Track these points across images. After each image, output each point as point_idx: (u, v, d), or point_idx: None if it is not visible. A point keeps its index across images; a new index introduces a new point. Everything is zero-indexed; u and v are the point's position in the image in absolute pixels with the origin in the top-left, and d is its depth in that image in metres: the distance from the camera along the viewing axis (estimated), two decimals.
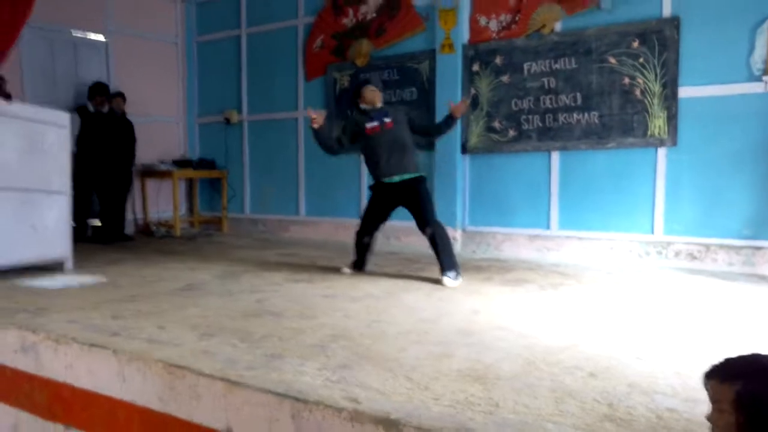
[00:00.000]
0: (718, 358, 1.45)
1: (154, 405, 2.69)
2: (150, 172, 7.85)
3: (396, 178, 4.65)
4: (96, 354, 2.85)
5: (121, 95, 7.13)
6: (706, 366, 1.45)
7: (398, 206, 4.74)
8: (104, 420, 2.84)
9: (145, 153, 7.75)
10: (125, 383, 2.77)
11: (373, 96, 4.82)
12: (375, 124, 4.71)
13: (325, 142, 4.90)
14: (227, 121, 8.11)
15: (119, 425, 2.79)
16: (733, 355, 1.44)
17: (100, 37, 7.60)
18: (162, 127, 8.25)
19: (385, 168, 4.68)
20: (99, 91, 6.95)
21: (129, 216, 7.59)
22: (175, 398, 2.64)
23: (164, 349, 2.83)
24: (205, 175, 8.20)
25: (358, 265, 4.94)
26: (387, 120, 4.69)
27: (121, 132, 7.07)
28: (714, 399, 1.38)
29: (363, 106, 4.87)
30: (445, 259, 4.49)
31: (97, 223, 7.05)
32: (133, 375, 2.73)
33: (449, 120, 4.73)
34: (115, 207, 7.02)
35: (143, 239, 7.37)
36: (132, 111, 7.29)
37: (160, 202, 8.07)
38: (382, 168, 4.69)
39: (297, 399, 2.26)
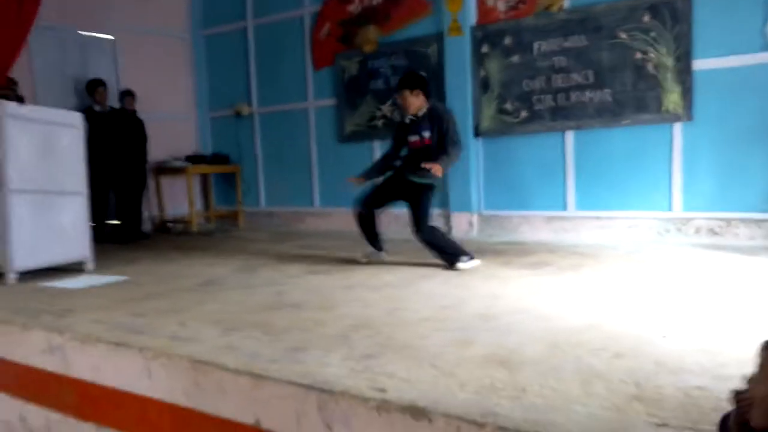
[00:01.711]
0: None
1: (181, 401, 2.71)
2: (164, 170, 7.88)
3: (416, 179, 4.61)
4: (122, 353, 2.88)
5: (131, 94, 7.15)
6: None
7: (401, 199, 4.72)
8: (135, 418, 2.87)
9: (158, 150, 7.79)
10: (151, 381, 2.80)
11: (405, 104, 4.60)
12: (416, 138, 4.59)
13: (380, 171, 4.89)
14: (238, 114, 8.11)
15: (151, 422, 2.82)
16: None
17: (108, 36, 7.61)
18: (173, 123, 8.27)
19: (408, 168, 4.66)
20: (96, 84, 6.92)
21: (145, 214, 7.64)
22: (201, 394, 2.65)
23: (187, 346, 2.85)
24: (219, 170, 8.22)
25: (375, 246, 4.91)
26: (426, 136, 4.53)
27: (131, 130, 7.10)
28: (763, 367, 1.33)
29: (406, 116, 4.72)
30: (446, 257, 4.51)
31: (115, 222, 7.10)
32: (159, 372, 2.76)
33: None
34: (131, 206, 7.07)
35: (160, 237, 7.42)
36: (143, 108, 7.31)
37: (175, 199, 8.11)
38: (408, 167, 4.66)
39: (323, 390, 2.26)
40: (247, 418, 2.52)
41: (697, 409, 1.92)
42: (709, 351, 2.47)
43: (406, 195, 4.68)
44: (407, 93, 4.54)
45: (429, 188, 4.61)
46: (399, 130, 4.80)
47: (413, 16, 6.65)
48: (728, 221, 5.18)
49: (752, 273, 4.03)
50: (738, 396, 1.34)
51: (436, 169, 4.34)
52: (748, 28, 5.02)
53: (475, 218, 6.32)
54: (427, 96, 4.61)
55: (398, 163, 4.77)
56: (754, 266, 4.24)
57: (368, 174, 4.89)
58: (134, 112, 7.17)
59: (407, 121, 4.67)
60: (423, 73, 5.02)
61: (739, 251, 4.81)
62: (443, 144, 4.51)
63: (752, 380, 1.33)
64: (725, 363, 2.27)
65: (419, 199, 4.59)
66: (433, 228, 4.65)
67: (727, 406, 1.89)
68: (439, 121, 4.51)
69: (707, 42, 5.17)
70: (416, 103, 4.56)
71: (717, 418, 1.82)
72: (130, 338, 2.99)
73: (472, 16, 6.24)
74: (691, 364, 2.33)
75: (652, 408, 1.95)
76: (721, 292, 3.52)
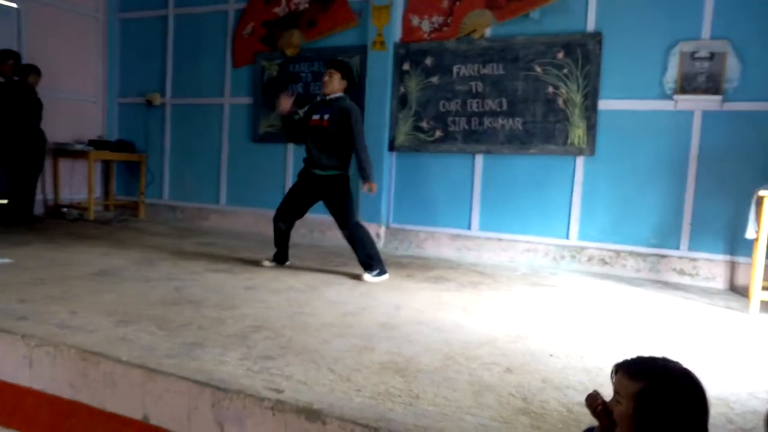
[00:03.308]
0: (621, 357, 1.55)
1: (66, 393, 2.59)
2: (63, 152, 7.48)
3: (318, 171, 4.63)
4: (1, 339, 2.71)
5: (35, 70, 6.72)
6: (614, 361, 1.54)
7: (319, 200, 4.73)
8: (9, 408, 2.71)
9: (60, 131, 7.39)
10: (32, 370, 2.65)
11: (328, 82, 4.65)
12: (317, 117, 4.63)
13: (291, 132, 4.82)
14: (149, 103, 7.84)
15: (26, 415, 2.66)
16: (645, 354, 1.53)
17: (11, 4, 7.15)
18: (79, 105, 7.87)
19: (310, 161, 4.68)
20: (9, 56, 6.53)
21: (38, 196, 7.20)
22: (88, 386, 2.54)
23: (77, 335, 2.73)
24: (123, 157, 7.88)
25: (279, 258, 4.89)
26: (326, 118, 4.58)
27: (28, 106, 6.63)
28: (617, 389, 1.47)
29: (322, 95, 4.78)
30: (363, 258, 4.55)
31: (2, 201, 6.64)
32: (42, 361, 2.62)
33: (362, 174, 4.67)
34: (23, 186, 6.62)
35: (53, 222, 7.02)
36: (46, 85, 6.89)
37: (73, 184, 7.70)
38: (310, 159, 4.68)
39: (218, 388, 2.23)
40: (134, 413, 2.43)
41: (577, 423, 2.04)
42: (590, 371, 2.62)
43: (320, 194, 4.67)
44: (334, 72, 4.64)
45: (340, 180, 4.62)
46: (310, 106, 4.88)
47: (339, 25, 6.69)
48: (618, 253, 5.51)
49: (634, 303, 4.31)
50: None
51: (372, 187, 4.53)
52: (649, 76, 5.39)
53: (382, 230, 6.40)
54: (347, 88, 4.71)
55: (308, 162, 4.72)
56: (636, 296, 4.53)
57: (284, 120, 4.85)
58: (32, 88, 6.70)
59: (318, 99, 4.74)
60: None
61: (625, 281, 5.13)
62: (344, 138, 4.58)
63: (606, 403, 1.49)
64: (604, 382, 2.41)
65: (335, 193, 4.60)
66: (360, 224, 4.66)
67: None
68: (346, 114, 4.56)
69: (613, 84, 5.51)
70: (335, 86, 4.64)
71: None
72: (12, 324, 2.82)
73: (396, 33, 6.35)
74: (575, 382, 2.47)
75: (536, 421, 2.05)
76: (604, 318, 3.74)
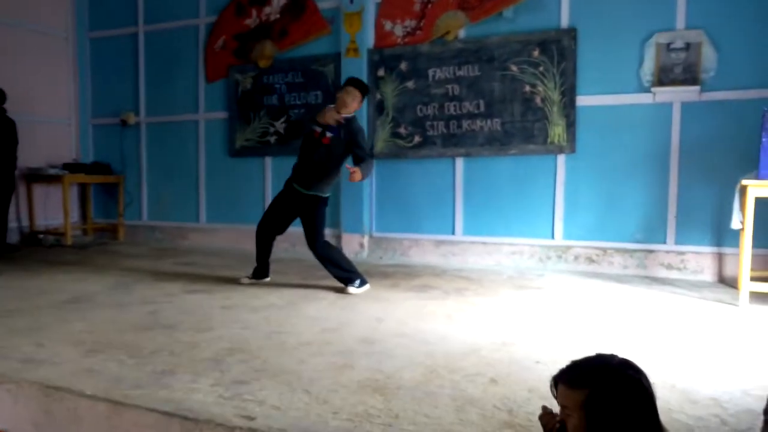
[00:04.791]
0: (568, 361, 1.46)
1: None
2: (37, 177, 7.31)
3: (301, 189, 4.51)
4: None
5: (2, 93, 6.55)
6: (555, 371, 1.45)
7: (297, 217, 4.61)
8: None
9: (32, 156, 7.22)
10: None
11: (343, 100, 4.42)
12: (319, 130, 4.44)
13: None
14: (123, 123, 7.69)
15: None
16: (579, 357, 1.45)
17: None
18: (51, 128, 7.71)
19: (298, 174, 4.55)
20: None
21: (13, 224, 7.04)
22: (52, 423, 2.42)
23: (41, 369, 2.60)
24: (100, 180, 7.73)
25: (259, 274, 4.77)
26: (328, 135, 4.41)
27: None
28: (562, 403, 1.40)
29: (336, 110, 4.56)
30: (341, 274, 4.45)
31: None
32: (2, 399, 2.48)
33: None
34: None
35: (29, 249, 6.86)
36: (15, 110, 6.72)
37: (48, 209, 7.52)
38: (300, 174, 4.54)
39: (186, 418, 2.12)
40: None
41: None
42: None
43: (298, 210, 4.56)
44: (354, 91, 4.45)
45: (318, 201, 4.52)
46: (311, 116, 4.66)
47: (311, 34, 6.59)
48: (604, 250, 5.43)
49: (622, 301, 4.22)
50: None
51: (356, 173, 4.21)
52: (626, 70, 5.32)
53: (366, 240, 6.29)
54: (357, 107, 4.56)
55: (296, 176, 4.59)
56: (624, 294, 4.44)
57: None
58: (4, 111, 6.55)
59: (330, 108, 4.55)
60: None
61: (613, 279, 5.05)
62: (337, 161, 4.46)
63: (551, 417, 1.46)
64: None
65: (310, 213, 4.49)
66: (328, 243, 4.56)
67: None
68: (352, 134, 4.41)
69: (590, 79, 5.44)
70: (352, 105, 4.46)
71: None
72: None
73: (369, 39, 6.27)
74: None
75: None
76: (592, 319, 3.64)
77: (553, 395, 1.43)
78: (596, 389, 1.32)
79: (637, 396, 1.32)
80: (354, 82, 4.53)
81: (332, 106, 4.51)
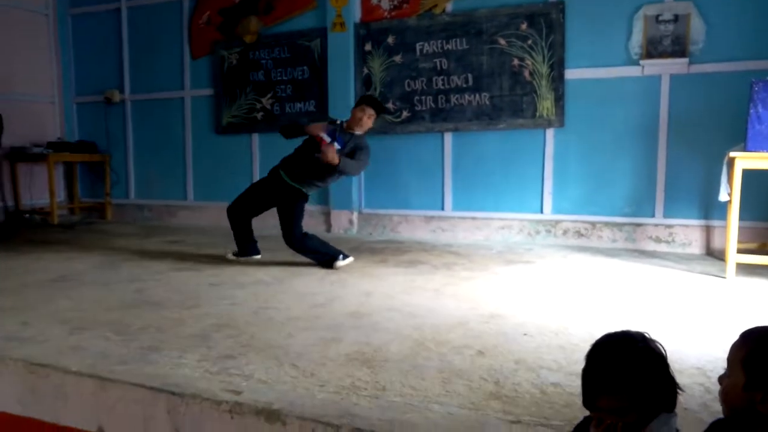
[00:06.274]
0: (598, 331, 1.44)
1: (14, 409, 2.44)
2: (21, 156, 7.22)
3: (287, 179, 4.48)
4: None
5: None
6: (590, 336, 1.44)
7: (274, 206, 4.57)
8: None
9: (16, 135, 7.12)
10: None
11: (361, 119, 4.42)
12: (328, 138, 4.37)
13: (292, 134, 4.54)
14: (108, 101, 7.59)
15: None
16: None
17: None
18: (34, 106, 7.60)
19: (288, 164, 4.51)
20: None
21: None
22: (38, 400, 2.40)
23: (26, 347, 2.58)
24: (86, 158, 7.64)
25: (244, 252, 4.70)
26: (336, 146, 4.34)
27: None
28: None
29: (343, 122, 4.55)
30: (324, 258, 4.43)
31: None
32: None
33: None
34: None
35: (15, 229, 6.79)
36: None
37: (34, 189, 7.45)
38: (291, 165, 4.50)
39: (173, 393, 2.11)
40: (89, 425, 2.30)
41: (550, 405, 1.94)
42: (565, 348, 2.53)
43: (277, 199, 4.52)
44: (369, 109, 4.46)
45: (300, 195, 4.49)
46: (328, 123, 4.61)
47: (297, 8, 6.50)
48: (593, 224, 5.44)
49: (611, 274, 4.23)
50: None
51: (331, 151, 4.17)
52: (614, 43, 5.29)
53: (355, 216, 6.26)
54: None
55: (287, 168, 4.54)
56: (613, 267, 4.46)
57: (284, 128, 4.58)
58: None
59: (340, 123, 4.55)
60: None
61: (602, 253, 5.06)
62: (332, 172, 4.44)
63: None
64: (579, 360, 2.31)
65: (290, 205, 4.45)
66: (303, 235, 4.49)
67: (577, 401, 1.91)
68: (357, 148, 4.42)
69: (578, 53, 5.40)
70: (367, 124, 4.48)
71: (569, 413, 1.85)
72: None
73: (356, 13, 6.18)
74: (549, 361, 2.37)
75: (508, 405, 1.95)
76: (580, 293, 3.65)
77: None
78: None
79: None
80: (371, 101, 4.54)
81: (339, 121, 4.53)
